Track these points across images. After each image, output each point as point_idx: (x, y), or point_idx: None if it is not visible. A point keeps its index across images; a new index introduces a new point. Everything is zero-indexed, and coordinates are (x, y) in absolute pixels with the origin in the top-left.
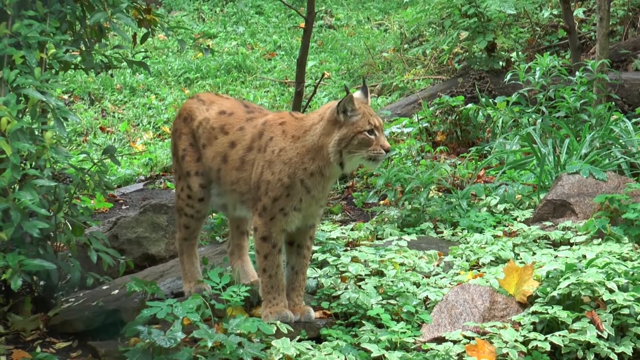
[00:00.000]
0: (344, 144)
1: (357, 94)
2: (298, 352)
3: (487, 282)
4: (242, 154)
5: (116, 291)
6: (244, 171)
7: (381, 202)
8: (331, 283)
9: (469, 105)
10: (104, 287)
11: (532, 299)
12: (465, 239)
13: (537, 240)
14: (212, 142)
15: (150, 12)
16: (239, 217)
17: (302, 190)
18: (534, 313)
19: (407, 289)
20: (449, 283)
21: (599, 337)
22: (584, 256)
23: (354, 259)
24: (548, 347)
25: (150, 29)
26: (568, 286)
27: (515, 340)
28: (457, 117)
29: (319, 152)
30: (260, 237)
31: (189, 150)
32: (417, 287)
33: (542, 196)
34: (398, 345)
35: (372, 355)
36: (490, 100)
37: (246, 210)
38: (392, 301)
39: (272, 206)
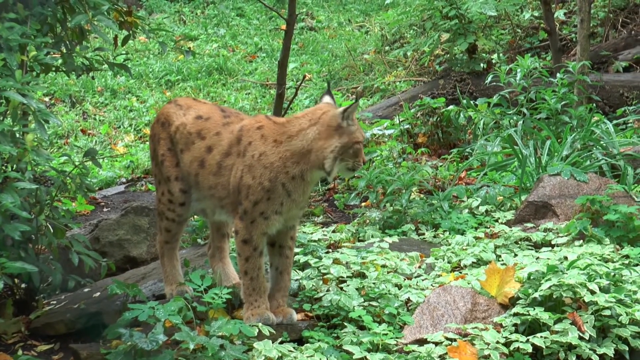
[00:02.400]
0: (342, 152)
1: (327, 99)
2: (280, 354)
3: (468, 283)
4: (219, 159)
5: (98, 294)
6: (221, 176)
7: (363, 204)
8: (313, 285)
9: (450, 107)
10: (86, 290)
11: (513, 301)
12: (447, 241)
13: (519, 242)
14: (190, 147)
15: (131, 15)
16: (219, 221)
17: (283, 194)
18: (515, 314)
19: (388, 290)
20: (431, 285)
21: (581, 338)
22: (566, 258)
23: (336, 261)
24: (530, 349)
25: (131, 32)
26: (549, 287)
27: (497, 342)
28: (439, 118)
29: (306, 156)
30: (241, 240)
31: (167, 155)
32: (399, 289)
33: (523, 198)
34: (380, 347)
35: (354, 357)
36: (472, 101)
37: (226, 214)
38: (373, 303)
39: (252, 210)
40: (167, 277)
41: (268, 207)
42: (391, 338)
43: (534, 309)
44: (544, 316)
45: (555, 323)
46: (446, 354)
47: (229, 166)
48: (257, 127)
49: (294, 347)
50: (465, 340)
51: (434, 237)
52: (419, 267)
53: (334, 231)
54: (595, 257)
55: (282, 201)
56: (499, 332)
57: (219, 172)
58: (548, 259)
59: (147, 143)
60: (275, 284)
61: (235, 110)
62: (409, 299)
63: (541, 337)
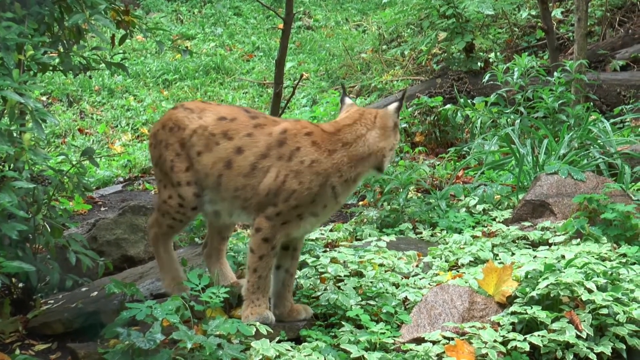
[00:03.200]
0: (395, 148)
1: (348, 101)
2: (277, 353)
3: (466, 282)
4: (253, 160)
5: (95, 293)
6: (253, 177)
7: (360, 203)
8: (310, 284)
9: (448, 106)
10: (83, 289)
11: (511, 299)
12: (444, 240)
13: (516, 241)
14: (212, 148)
15: (129, 14)
16: (227, 224)
17: (330, 197)
18: (513, 313)
19: (386, 289)
20: (428, 284)
21: (578, 337)
22: (563, 256)
23: (333, 260)
24: (527, 347)
25: (128, 31)
26: (547, 286)
27: (495, 341)
28: (436, 117)
29: (365, 160)
30: (262, 238)
31: (176, 160)
32: (397, 287)
33: (520, 196)
34: (377, 345)
35: (352, 356)
36: (469, 100)
37: (246, 215)
38: (371, 302)
39: (289, 212)
40: (163, 267)
41: (308, 209)
42: (389, 337)
43: (532, 307)
44: (542, 315)
45: (552, 322)
46: (444, 352)
47: (265, 168)
48: (306, 133)
49: (291, 346)
50: (462, 339)
51: (432, 236)
52: (417, 266)
53: (331, 230)
54: (593, 256)
55: (326, 204)
56: (496, 330)
57: (252, 174)
58: (545, 257)
59: (145, 142)
60: (286, 286)
61: (258, 111)
62: (406, 298)
63: (539, 335)
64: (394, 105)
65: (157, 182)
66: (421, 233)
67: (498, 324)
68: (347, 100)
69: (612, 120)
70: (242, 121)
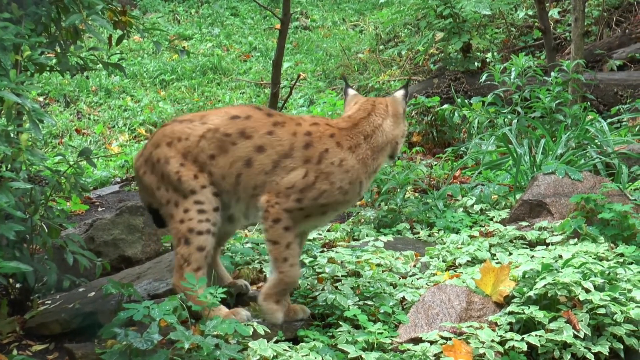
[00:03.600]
0: (405, 136)
1: (352, 92)
2: (275, 354)
3: (463, 282)
4: (276, 158)
5: (93, 293)
6: (274, 175)
7: (357, 203)
8: (308, 284)
9: (445, 106)
10: (81, 290)
11: (508, 299)
12: (442, 240)
13: (514, 241)
14: (228, 149)
15: (126, 14)
16: (231, 232)
17: (357, 191)
18: (510, 313)
19: (383, 289)
20: (426, 284)
21: (576, 336)
22: (560, 256)
23: (331, 260)
24: (525, 347)
25: (125, 31)
26: (544, 286)
27: (492, 341)
28: (433, 117)
29: (383, 149)
30: (284, 227)
31: (182, 169)
32: (394, 287)
33: (518, 196)
34: (375, 346)
35: (349, 356)
36: (466, 100)
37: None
38: (369, 302)
39: (315, 208)
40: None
41: (334, 207)
42: (386, 337)
43: (529, 307)
44: (539, 315)
45: (550, 321)
46: (441, 352)
47: (288, 167)
48: (330, 134)
49: (289, 346)
50: (460, 339)
51: (429, 236)
52: (414, 266)
53: (328, 230)
54: (590, 256)
55: (351, 198)
56: (494, 330)
57: (273, 171)
58: (543, 257)
59: (142, 143)
60: None
61: (267, 108)
62: (404, 298)
63: (536, 335)
64: (401, 92)
65: (166, 216)
66: (419, 233)
67: (495, 323)
68: (351, 92)
69: (609, 120)
70: (258, 118)
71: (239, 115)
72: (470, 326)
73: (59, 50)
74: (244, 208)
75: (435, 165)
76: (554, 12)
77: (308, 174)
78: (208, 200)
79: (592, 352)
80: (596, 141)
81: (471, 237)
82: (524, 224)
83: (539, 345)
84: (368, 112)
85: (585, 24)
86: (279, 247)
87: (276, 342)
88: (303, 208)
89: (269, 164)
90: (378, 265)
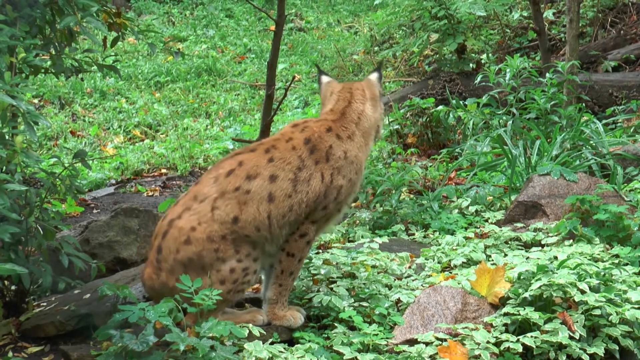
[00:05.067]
0: (383, 118)
1: (326, 79)
2: (270, 355)
3: (459, 283)
4: (292, 176)
5: (88, 295)
6: (298, 193)
7: (353, 204)
8: (303, 286)
9: (440, 107)
10: (76, 292)
11: (503, 301)
12: (437, 241)
13: (509, 242)
14: (246, 200)
15: (120, 16)
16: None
17: (360, 180)
18: (505, 314)
19: (379, 291)
20: (421, 285)
21: (571, 338)
22: (556, 257)
23: (326, 262)
24: (520, 349)
25: (120, 33)
26: (539, 287)
27: (487, 342)
28: (428, 119)
29: (370, 133)
30: (306, 242)
31: (221, 261)
32: (389, 289)
33: (513, 198)
34: (370, 347)
35: (345, 357)
36: (461, 102)
37: (287, 233)
38: (364, 303)
39: (334, 208)
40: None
41: (347, 200)
42: (382, 338)
43: (524, 308)
44: (534, 316)
45: (545, 323)
46: (437, 354)
47: (306, 178)
48: (326, 129)
49: (284, 348)
50: (455, 340)
51: (424, 237)
52: (409, 267)
53: (323, 232)
54: (585, 257)
55: (357, 189)
56: (489, 332)
57: (295, 189)
58: (538, 258)
59: (137, 144)
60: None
61: (245, 146)
62: (399, 300)
63: (531, 336)
64: (375, 75)
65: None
66: (414, 234)
67: (491, 325)
68: (324, 79)
69: (604, 121)
70: (249, 158)
71: (232, 168)
72: (466, 327)
73: (53, 52)
74: (277, 240)
75: (431, 166)
76: (548, 14)
77: (324, 174)
78: (250, 266)
79: (587, 353)
80: (591, 142)
81: (466, 238)
82: (519, 225)
83: (534, 347)
84: (348, 100)
85: (580, 25)
86: (293, 260)
87: (272, 343)
88: (327, 214)
89: (289, 185)
90: (373, 266)
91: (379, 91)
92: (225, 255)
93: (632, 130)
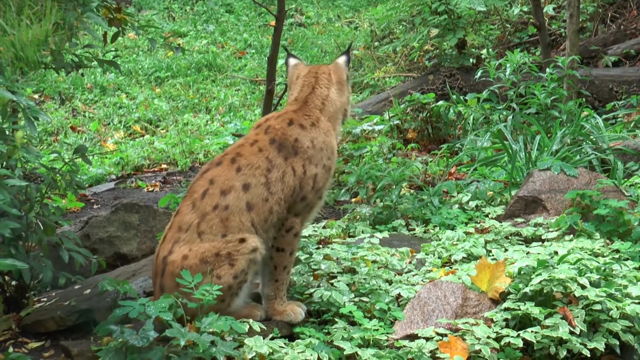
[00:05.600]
0: (350, 102)
1: (293, 61)
2: (271, 350)
3: (459, 278)
4: (263, 180)
5: (88, 291)
6: (274, 194)
7: (353, 199)
8: (303, 281)
9: (440, 103)
10: (76, 287)
11: (504, 296)
12: (437, 236)
13: (509, 237)
14: (227, 216)
15: (121, 11)
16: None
17: (335, 163)
18: (506, 309)
19: (379, 286)
20: (421, 280)
21: (571, 333)
22: (556, 252)
23: (326, 257)
24: (520, 344)
25: (120, 28)
26: (540, 282)
27: (488, 337)
28: (428, 114)
29: (336, 117)
30: (294, 235)
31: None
32: (390, 284)
33: (513, 193)
34: (371, 342)
35: (345, 352)
36: (461, 97)
37: (273, 233)
38: (364, 299)
39: (314, 196)
40: None
41: (326, 185)
42: (382, 334)
43: (525, 303)
44: (535, 311)
45: (545, 318)
46: (437, 349)
47: (279, 176)
48: (288, 123)
49: (284, 343)
50: (456, 336)
51: (425, 232)
52: (410, 262)
53: (324, 227)
54: (586, 252)
55: (333, 172)
56: (489, 327)
57: (270, 190)
58: (538, 253)
59: (137, 140)
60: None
61: (208, 162)
62: (399, 295)
63: (532, 331)
64: (343, 58)
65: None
66: (414, 230)
67: (491, 320)
68: (292, 61)
69: (604, 116)
70: (218, 172)
71: (205, 190)
72: (466, 322)
73: (54, 48)
74: (265, 241)
75: (431, 161)
76: (549, 9)
77: (295, 168)
78: (243, 280)
79: (587, 348)
80: (591, 137)
81: (467, 233)
82: (519, 220)
83: (534, 342)
84: (312, 86)
85: (580, 20)
86: (284, 254)
87: (272, 339)
88: (308, 204)
89: (263, 190)
90: (374, 261)
91: (346, 75)
92: (220, 273)
93: (632, 125)
